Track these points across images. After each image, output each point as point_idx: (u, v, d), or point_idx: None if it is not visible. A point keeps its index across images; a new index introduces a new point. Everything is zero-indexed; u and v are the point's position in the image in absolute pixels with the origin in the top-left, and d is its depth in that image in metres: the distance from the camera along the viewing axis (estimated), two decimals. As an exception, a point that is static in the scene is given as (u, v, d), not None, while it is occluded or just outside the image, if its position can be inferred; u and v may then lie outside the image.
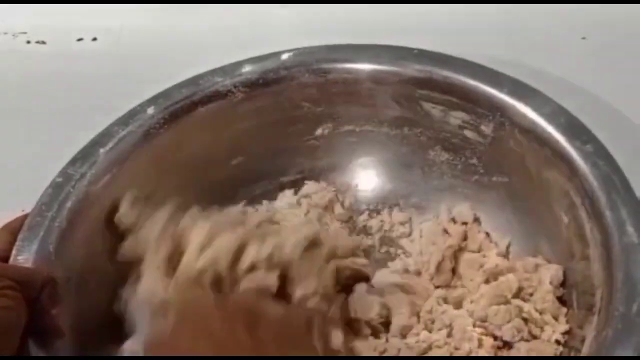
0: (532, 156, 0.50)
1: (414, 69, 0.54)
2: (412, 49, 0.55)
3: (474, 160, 0.55)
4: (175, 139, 0.54)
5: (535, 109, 0.49)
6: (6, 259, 0.45)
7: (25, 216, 0.47)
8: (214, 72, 0.56)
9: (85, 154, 0.51)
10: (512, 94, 0.50)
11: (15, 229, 0.47)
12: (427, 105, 0.54)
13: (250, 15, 0.79)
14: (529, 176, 0.51)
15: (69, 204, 0.48)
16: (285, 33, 0.75)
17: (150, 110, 0.53)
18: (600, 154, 0.45)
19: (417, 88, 0.54)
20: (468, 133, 0.54)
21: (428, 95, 0.54)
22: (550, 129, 0.48)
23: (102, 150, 0.51)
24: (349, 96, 0.56)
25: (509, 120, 0.50)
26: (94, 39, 0.78)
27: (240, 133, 0.57)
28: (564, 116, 0.48)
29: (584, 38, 0.72)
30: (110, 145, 0.51)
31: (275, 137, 0.58)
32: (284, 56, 0.56)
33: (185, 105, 0.54)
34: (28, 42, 0.79)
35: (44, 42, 0.78)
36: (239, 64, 0.56)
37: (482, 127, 0.52)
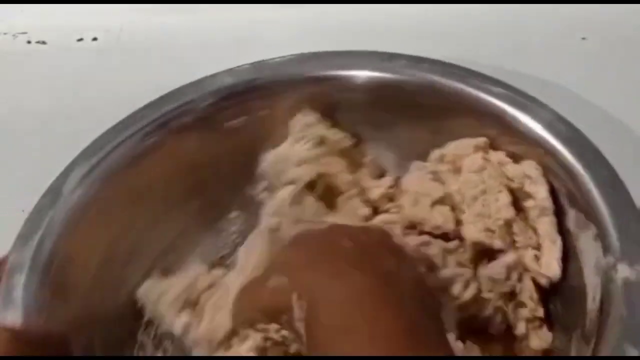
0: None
1: (413, 77, 0.53)
2: (410, 56, 0.54)
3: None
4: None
5: (534, 117, 0.49)
6: None
7: None
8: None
9: None
10: (511, 102, 0.50)
11: None
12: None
13: (251, 15, 0.79)
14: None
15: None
16: (286, 33, 0.75)
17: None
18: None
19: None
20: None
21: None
22: (550, 138, 0.48)
23: None
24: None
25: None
26: (94, 39, 0.78)
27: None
28: (564, 125, 0.48)
29: (584, 38, 0.72)
30: None
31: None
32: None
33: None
34: (28, 42, 0.79)
35: (44, 42, 0.78)
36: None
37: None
